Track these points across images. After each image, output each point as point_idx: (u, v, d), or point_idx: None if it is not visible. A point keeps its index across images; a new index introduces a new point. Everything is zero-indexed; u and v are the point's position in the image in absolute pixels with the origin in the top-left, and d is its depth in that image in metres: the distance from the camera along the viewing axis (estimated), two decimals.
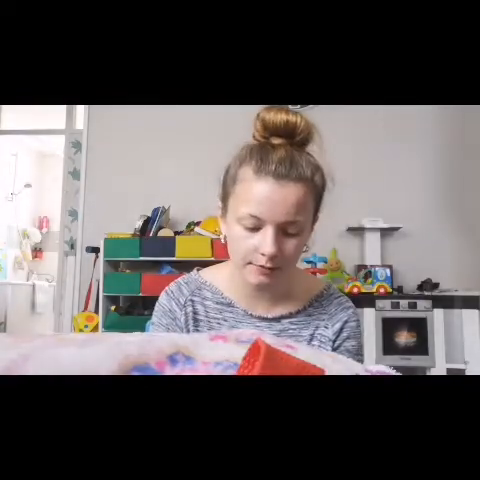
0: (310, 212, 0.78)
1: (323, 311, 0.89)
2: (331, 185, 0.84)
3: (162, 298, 0.92)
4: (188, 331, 0.89)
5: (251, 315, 0.88)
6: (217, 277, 0.92)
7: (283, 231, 0.75)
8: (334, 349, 0.87)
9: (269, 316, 0.88)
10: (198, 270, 0.95)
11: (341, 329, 0.88)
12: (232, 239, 0.80)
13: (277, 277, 0.79)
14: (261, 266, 0.77)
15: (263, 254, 0.75)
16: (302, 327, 0.88)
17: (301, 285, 0.92)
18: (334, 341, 0.88)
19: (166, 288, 0.93)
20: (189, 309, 0.89)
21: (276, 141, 0.76)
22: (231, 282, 0.89)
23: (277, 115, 0.75)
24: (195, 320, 0.89)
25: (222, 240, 0.86)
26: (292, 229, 0.75)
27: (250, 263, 0.78)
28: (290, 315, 0.88)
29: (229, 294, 0.89)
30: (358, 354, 0.89)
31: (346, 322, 0.89)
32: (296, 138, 0.76)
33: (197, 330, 0.89)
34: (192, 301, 0.90)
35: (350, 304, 0.92)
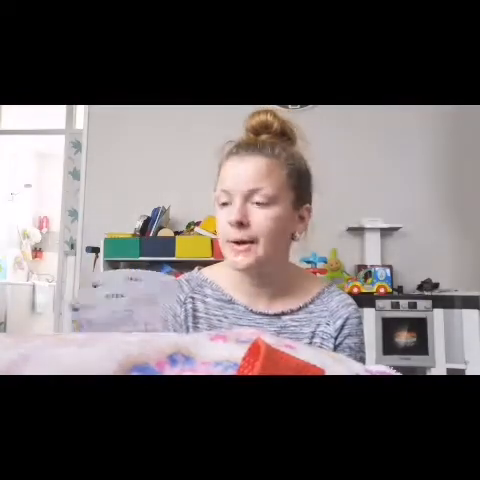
0: (280, 185, 0.82)
1: (324, 308, 0.90)
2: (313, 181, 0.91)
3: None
4: (187, 328, 0.90)
5: (252, 311, 0.88)
6: (218, 274, 0.92)
7: (251, 201, 0.81)
8: (336, 346, 0.88)
9: (270, 312, 0.88)
10: (199, 269, 0.96)
11: (342, 326, 0.88)
12: (217, 224, 0.85)
13: (256, 255, 0.81)
14: (235, 242, 0.81)
15: (231, 224, 0.80)
16: (303, 324, 0.89)
17: (302, 282, 0.92)
18: (336, 338, 0.88)
19: None
20: (189, 306, 0.90)
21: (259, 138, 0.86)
22: (231, 279, 0.90)
23: (253, 118, 0.87)
24: (195, 317, 0.90)
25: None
26: (258, 197, 0.80)
27: (228, 242, 0.82)
28: (291, 312, 0.89)
29: (230, 291, 0.90)
30: (360, 351, 0.90)
31: (347, 319, 0.89)
32: (272, 132, 0.86)
33: (197, 327, 0.89)
34: (192, 298, 0.91)
35: (351, 301, 0.92)
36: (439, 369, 2.56)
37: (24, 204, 5.20)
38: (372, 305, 2.62)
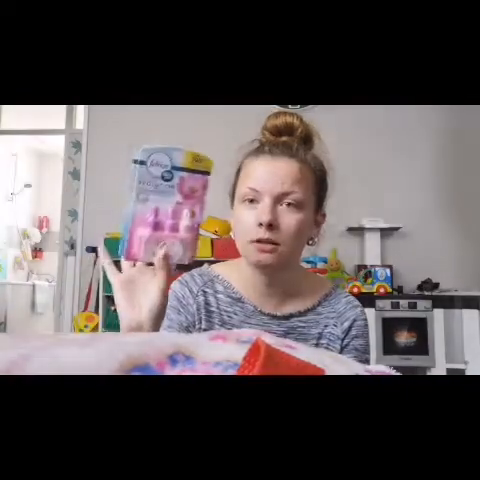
0: (308, 191, 0.83)
1: (332, 310, 0.91)
2: (331, 181, 0.92)
3: (175, 285, 0.93)
4: (200, 319, 0.90)
5: (261, 312, 0.89)
6: (229, 272, 0.93)
7: (280, 203, 0.81)
8: (342, 347, 0.89)
9: (278, 314, 0.89)
10: (209, 265, 0.96)
11: (350, 327, 0.90)
12: (238, 221, 0.85)
13: (279, 257, 0.81)
14: (260, 241, 0.80)
15: (261, 224, 0.80)
16: (311, 325, 0.89)
17: (310, 284, 0.93)
18: (343, 339, 0.89)
19: (179, 278, 0.94)
20: (201, 299, 0.90)
21: (279, 139, 0.85)
22: (242, 278, 0.90)
23: (278, 118, 0.85)
24: (207, 310, 0.90)
25: (232, 236, 0.90)
26: (290, 201, 0.80)
27: (252, 241, 0.81)
28: (299, 314, 0.89)
29: (240, 290, 0.91)
30: (366, 353, 0.90)
31: (355, 321, 0.90)
32: (295, 135, 0.85)
33: (209, 320, 0.90)
34: (204, 292, 0.91)
35: (358, 303, 0.94)
36: (439, 369, 2.56)
37: (24, 204, 5.20)
38: (372, 305, 2.62)
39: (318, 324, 0.89)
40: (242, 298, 0.90)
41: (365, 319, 0.93)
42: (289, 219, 0.80)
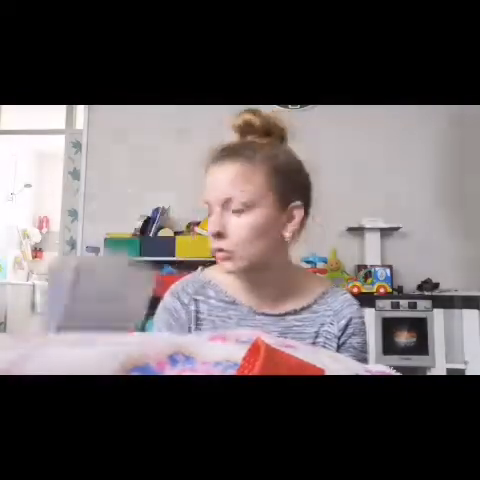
0: (260, 189, 0.80)
1: (328, 308, 0.90)
2: (312, 177, 0.89)
3: (166, 297, 0.93)
4: (190, 329, 0.90)
5: (255, 312, 0.88)
6: (221, 276, 0.92)
7: (228, 210, 0.80)
8: (339, 346, 0.88)
9: (274, 313, 0.88)
10: (202, 269, 0.96)
11: (346, 325, 0.88)
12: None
13: (240, 261, 0.81)
14: (217, 249, 0.81)
15: (211, 235, 0.81)
16: (307, 324, 0.89)
17: (306, 283, 0.92)
18: (339, 338, 0.88)
19: (171, 287, 0.94)
20: (192, 308, 0.90)
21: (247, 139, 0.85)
22: (234, 280, 0.90)
23: (238, 118, 0.84)
24: (198, 319, 0.90)
25: None
26: (234, 205, 0.79)
27: (214, 251, 0.83)
28: (295, 312, 0.89)
29: (233, 292, 0.90)
30: (363, 351, 0.90)
31: (351, 319, 0.89)
32: (258, 132, 0.84)
33: (199, 328, 0.89)
34: (195, 300, 0.91)
35: (355, 301, 0.92)
36: (439, 369, 2.56)
37: (24, 204, 5.20)
38: (372, 305, 2.62)
39: (314, 323, 0.89)
40: (235, 301, 0.90)
41: (362, 317, 0.91)
42: (238, 224, 0.79)
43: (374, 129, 3.26)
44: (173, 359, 0.38)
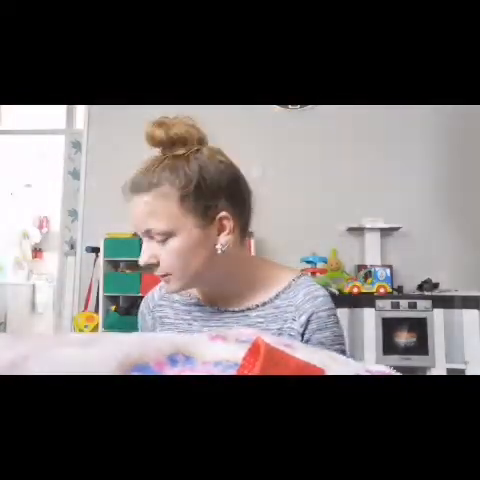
0: (174, 215, 0.78)
1: (290, 303, 0.87)
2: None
3: (141, 302, 0.99)
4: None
5: (218, 310, 0.89)
6: None
7: (152, 238, 0.80)
8: (305, 343, 0.84)
9: (236, 309, 0.88)
10: None
11: (308, 321, 0.85)
12: None
13: (179, 281, 0.82)
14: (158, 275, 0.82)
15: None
16: (270, 320, 0.86)
17: (268, 277, 0.90)
18: (303, 334, 0.85)
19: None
20: (157, 314, 0.94)
21: (160, 153, 0.84)
22: None
23: (145, 131, 0.84)
24: (163, 323, 0.93)
25: None
26: (157, 236, 0.79)
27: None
28: (256, 307, 0.87)
29: (197, 293, 0.91)
30: (334, 344, 0.85)
31: (313, 313, 0.85)
32: (161, 144, 0.83)
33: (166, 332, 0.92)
34: (160, 305, 0.94)
35: (319, 293, 0.87)
36: (439, 369, 2.56)
37: (24, 204, 5.20)
38: (372, 305, 2.62)
39: (277, 319, 0.86)
40: (199, 301, 0.91)
41: (328, 309, 0.86)
42: (163, 252, 0.79)
43: (374, 129, 3.26)
44: (173, 359, 0.38)
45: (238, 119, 3.01)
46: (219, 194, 0.81)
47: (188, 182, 0.78)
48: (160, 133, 0.83)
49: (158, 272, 0.81)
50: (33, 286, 4.95)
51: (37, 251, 5.39)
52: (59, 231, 3.66)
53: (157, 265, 0.80)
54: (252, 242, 2.88)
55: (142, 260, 0.80)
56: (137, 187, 0.80)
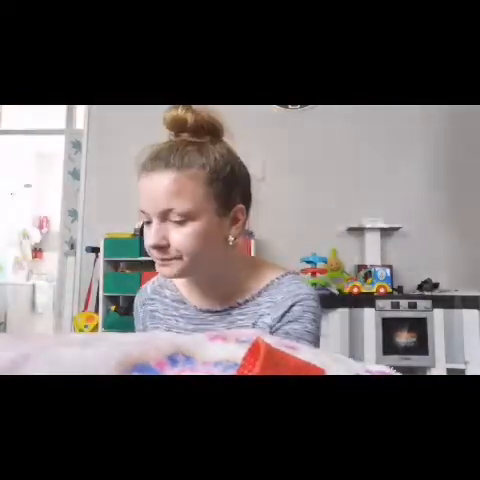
0: (197, 197, 0.76)
1: (270, 300, 0.86)
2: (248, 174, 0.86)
3: (136, 296, 1.00)
4: (145, 328, 0.95)
5: (201, 310, 0.89)
6: None
7: (167, 219, 0.77)
8: (272, 333, 0.83)
9: (218, 309, 0.88)
10: None
11: (283, 314, 0.84)
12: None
13: (182, 267, 0.79)
14: (159, 259, 0.79)
15: (150, 247, 0.79)
16: (250, 317, 0.86)
17: (253, 276, 0.89)
18: (273, 326, 0.84)
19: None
20: (148, 308, 0.95)
21: (177, 138, 0.81)
22: (186, 280, 0.91)
23: (168, 114, 0.80)
24: (153, 317, 0.94)
25: None
26: (174, 217, 0.76)
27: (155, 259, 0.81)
28: (238, 306, 0.87)
29: (184, 291, 0.92)
30: (303, 339, 0.83)
31: (291, 307, 0.84)
32: (189, 129, 0.79)
33: (156, 327, 0.93)
34: (152, 299, 0.95)
35: (301, 291, 0.86)
36: (439, 369, 2.56)
37: (24, 204, 5.20)
38: (372, 305, 2.62)
39: (255, 315, 0.86)
40: (184, 299, 0.91)
41: (307, 306, 0.84)
42: (179, 235, 0.76)
43: (374, 129, 3.26)
44: (173, 359, 0.38)
45: (236, 119, 2.98)
46: (238, 186, 0.82)
47: (218, 168, 0.78)
48: (190, 117, 0.79)
49: (165, 255, 0.78)
50: (33, 286, 4.95)
51: (37, 251, 5.40)
52: (59, 231, 3.66)
53: (166, 247, 0.78)
54: (252, 242, 2.88)
55: (152, 240, 0.77)
56: (164, 163, 0.76)
